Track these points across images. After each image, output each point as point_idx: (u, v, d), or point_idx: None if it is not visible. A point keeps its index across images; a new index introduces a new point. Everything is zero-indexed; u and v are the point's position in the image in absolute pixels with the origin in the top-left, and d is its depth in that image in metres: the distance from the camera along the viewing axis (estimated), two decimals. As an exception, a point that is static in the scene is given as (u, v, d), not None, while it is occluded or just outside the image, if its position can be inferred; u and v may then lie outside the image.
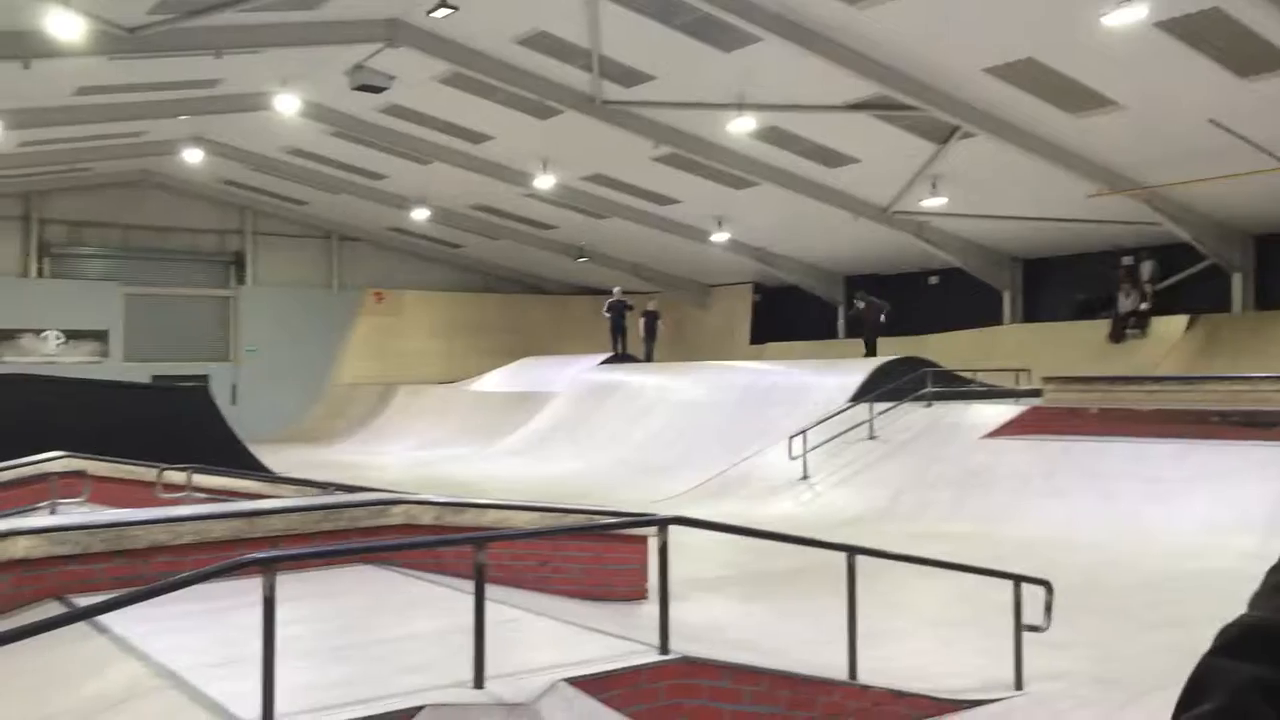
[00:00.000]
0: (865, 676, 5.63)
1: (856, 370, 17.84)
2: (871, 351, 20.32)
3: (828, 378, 18.16)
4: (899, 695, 5.64)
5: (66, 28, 12.72)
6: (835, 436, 15.27)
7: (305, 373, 28.86)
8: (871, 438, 15.23)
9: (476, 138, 20.66)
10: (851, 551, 5.79)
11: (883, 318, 20.70)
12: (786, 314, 27.61)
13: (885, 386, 16.07)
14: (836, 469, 14.89)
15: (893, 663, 6.38)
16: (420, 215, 26.41)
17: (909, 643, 7.42)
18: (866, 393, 16.43)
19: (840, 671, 5.59)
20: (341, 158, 23.36)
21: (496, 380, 25.63)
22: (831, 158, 18.85)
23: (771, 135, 17.92)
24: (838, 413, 15.78)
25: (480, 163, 21.99)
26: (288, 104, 18.19)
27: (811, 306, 26.98)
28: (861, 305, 21.24)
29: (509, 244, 28.79)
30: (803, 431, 15.01)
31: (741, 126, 16.99)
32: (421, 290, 31.39)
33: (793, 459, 14.93)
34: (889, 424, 15.43)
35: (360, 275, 30.79)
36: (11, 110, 16.83)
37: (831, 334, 26.23)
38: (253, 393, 27.45)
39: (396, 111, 19.65)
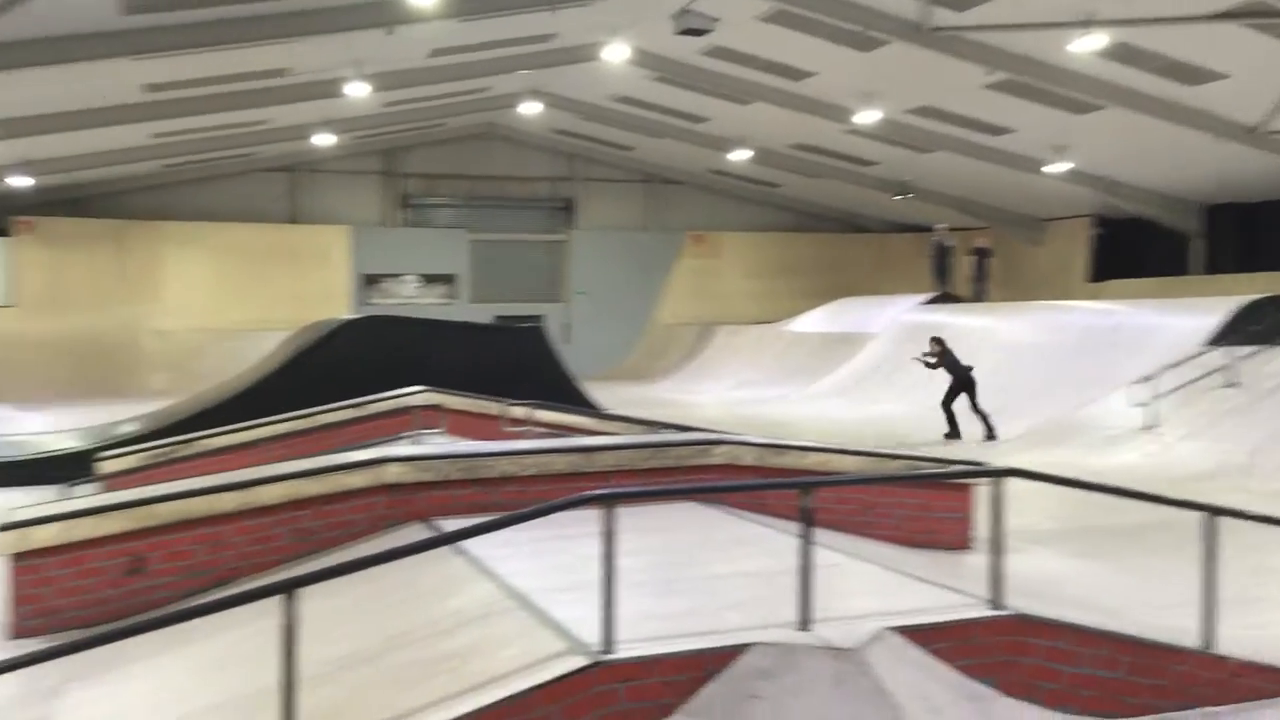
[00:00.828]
0: (1224, 646, 5.18)
1: (1215, 310, 16.20)
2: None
3: (1180, 318, 16.64)
4: (1263, 669, 5.15)
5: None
6: (1188, 384, 13.99)
7: (629, 313, 30.07)
8: (1230, 385, 13.82)
9: (797, 75, 20.43)
10: (1214, 513, 5.31)
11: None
12: (1130, 248, 25.44)
13: (1250, 328, 14.49)
14: (1188, 419, 13.65)
15: (1254, 632, 5.83)
16: (739, 156, 26.57)
17: (1273, 613, 6.74)
18: (1227, 336, 14.90)
19: (1191, 638, 5.18)
20: (665, 102, 23.89)
21: (814, 321, 25.52)
22: (1191, 74, 17.05)
23: (1121, 53, 16.44)
24: (1192, 357, 14.43)
25: (801, 100, 21.76)
26: (617, 53, 18.77)
27: (1160, 240, 24.69)
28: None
29: (828, 182, 28.40)
30: (1150, 377, 13.87)
31: (1088, 45, 15.69)
32: (739, 231, 31.69)
33: (1137, 406, 13.85)
34: (1254, 370, 13.93)
35: (680, 218, 31.51)
36: (377, 74, 18.51)
37: (1181, 269, 23.92)
38: (582, 332, 28.96)
39: (719, 53, 19.79)
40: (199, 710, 4.80)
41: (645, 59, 20.40)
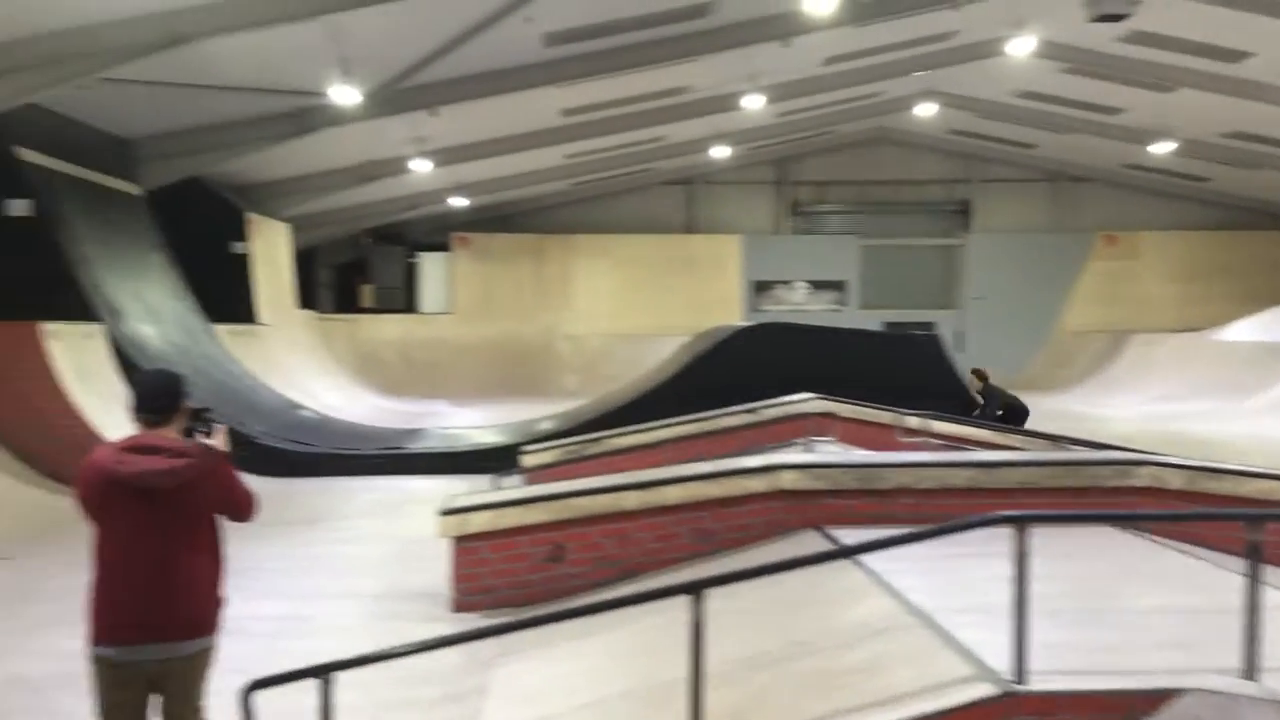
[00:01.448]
0: None
1: None
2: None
3: None
4: None
5: (822, 3, 13.85)
6: None
7: (1029, 320, 28.41)
8: None
9: (1233, 56, 18.33)
10: None
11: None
12: None
13: None
14: None
15: None
16: (1161, 148, 24.26)
17: None
18: None
19: None
20: (1073, 95, 22.35)
21: (1248, 329, 22.72)
22: None
23: None
24: None
25: (1236, 84, 19.48)
26: (1022, 46, 17.82)
27: None
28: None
29: (1270, 174, 25.22)
30: None
31: None
32: (1160, 230, 28.96)
33: None
34: None
35: (1089, 217, 29.31)
36: (772, 85, 18.86)
37: None
38: (977, 340, 27.73)
39: (1138, 38, 18.20)
40: (613, 695, 5.11)
41: (1053, 50, 19.20)
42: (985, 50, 19.59)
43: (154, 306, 15.03)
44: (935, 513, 6.71)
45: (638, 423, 11.80)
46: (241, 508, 3.90)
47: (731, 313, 26.94)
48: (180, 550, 3.74)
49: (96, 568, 3.74)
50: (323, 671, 4.27)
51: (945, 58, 20.52)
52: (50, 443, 11.02)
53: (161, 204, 16.61)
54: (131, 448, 3.71)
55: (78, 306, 12.75)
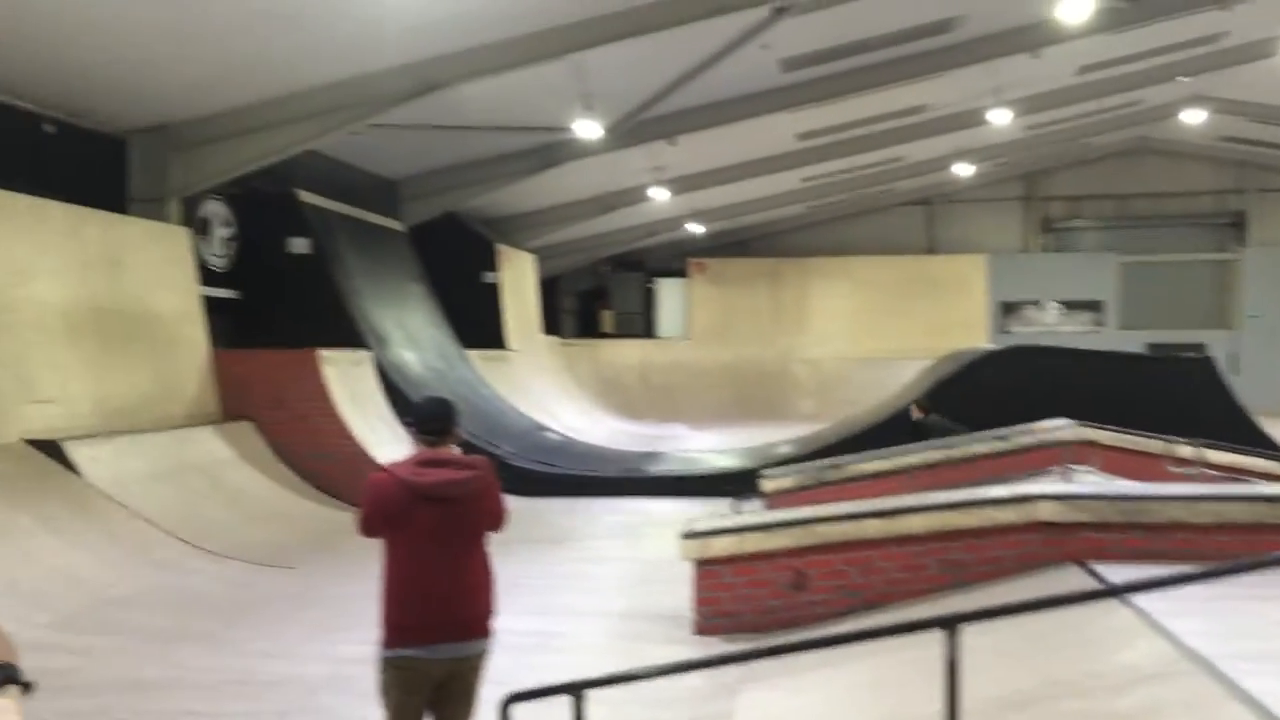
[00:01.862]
0: None
1: None
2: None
3: None
4: None
5: (1076, 11, 13.18)
6: None
7: (1316, 341, 25.86)
8: None
9: None
10: None
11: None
12: None
13: None
14: None
15: None
16: None
17: None
18: None
19: None
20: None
21: None
22: None
23: None
24: None
25: None
26: (1302, 44, 16.34)
27: None
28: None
29: None
30: None
31: None
32: None
33: None
34: None
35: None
36: (1019, 99, 18.09)
37: None
38: (1253, 362, 25.45)
39: None
40: (861, 730, 4.97)
41: (1340, 45, 17.49)
42: (1260, 51, 18.05)
43: (414, 334, 16.04)
44: (1211, 550, 6.18)
45: (878, 448, 11.53)
46: (500, 521, 4.22)
47: (976, 335, 25.92)
48: (470, 555, 4.07)
49: (392, 573, 4.01)
50: (576, 689, 4.38)
51: (1214, 60, 19.05)
52: (326, 461, 11.94)
53: (420, 238, 17.76)
54: (424, 462, 4.05)
55: (349, 335, 13.79)
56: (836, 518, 7.21)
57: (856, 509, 7.40)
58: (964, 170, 24.44)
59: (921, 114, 19.43)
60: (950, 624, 4.08)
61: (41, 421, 9.61)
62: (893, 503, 7.50)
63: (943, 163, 23.92)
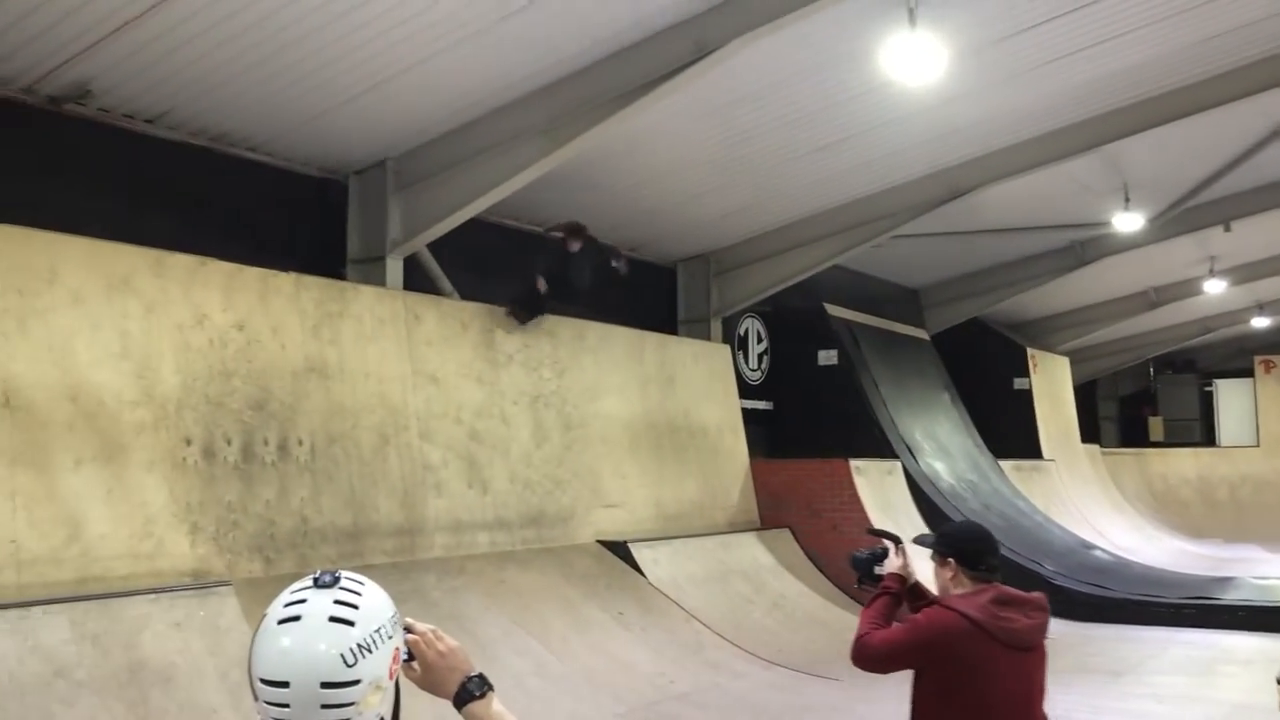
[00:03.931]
0: None
1: None
2: None
3: None
4: None
5: None
6: None
7: None
8: None
9: None
10: None
11: None
12: None
13: None
14: None
15: None
16: None
17: None
18: None
19: None
20: None
21: None
22: None
23: None
24: None
25: None
26: None
27: None
28: None
29: None
30: None
31: None
32: None
33: None
34: None
35: None
36: None
37: None
38: None
39: None
40: None
41: None
42: None
43: (944, 443, 15.79)
44: None
45: None
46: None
47: None
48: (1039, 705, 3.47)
49: None
50: None
51: None
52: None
53: (945, 345, 17.58)
54: (1003, 601, 3.35)
55: (878, 444, 13.92)
56: None
57: None
58: None
59: None
60: None
61: (610, 524, 10.76)
62: None
63: None
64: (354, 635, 1.58)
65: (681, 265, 13.78)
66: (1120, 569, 15.12)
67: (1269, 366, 25.08)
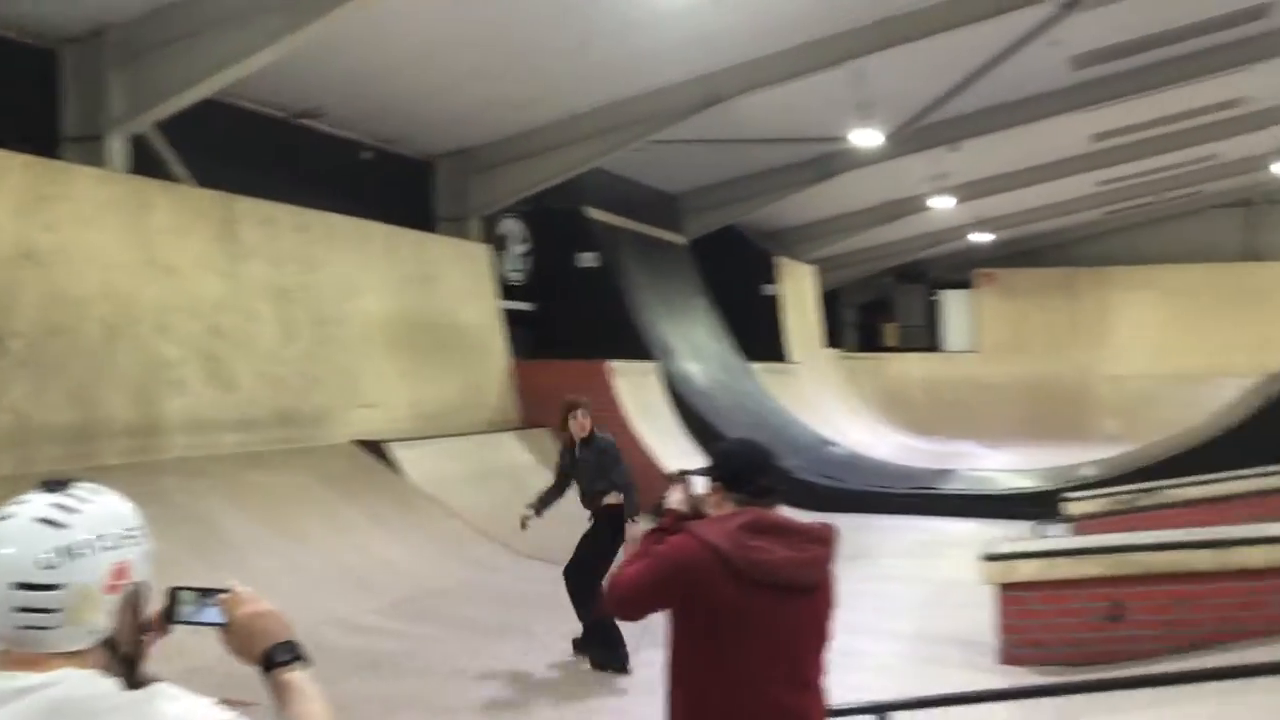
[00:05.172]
0: None
1: None
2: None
3: None
4: None
5: None
6: None
7: None
8: None
9: None
10: None
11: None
12: None
13: None
14: None
15: None
16: None
17: None
18: None
19: None
20: None
21: None
22: None
23: None
24: None
25: None
26: None
27: None
28: None
29: None
30: None
31: None
32: None
33: None
34: None
35: None
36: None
37: None
38: None
39: None
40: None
41: None
42: None
43: (698, 346, 16.31)
44: None
45: (1194, 474, 10.59)
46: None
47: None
48: (817, 677, 2.78)
49: (697, 699, 2.69)
50: (882, 709, 4.29)
51: None
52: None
53: (700, 251, 18.05)
54: (757, 529, 2.67)
55: (637, 346, 14.20)
56: (1160, 546, 6.69)
57: (1184, 538, 6.84)
58: (1289, 168, 22.07)
59: (1235, 109, 17.73)
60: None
61: (367, 425, 10.50)
62: (1227, 532, 6.88)
63: (1262, 161, 21.70)
64: (59, 538, 1.46)
65: (440, 161, 13.41)
66: (855, 463, 16.26)
67: (988, 279, 27.35)
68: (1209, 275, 25.71)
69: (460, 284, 12.72)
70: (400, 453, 10.17)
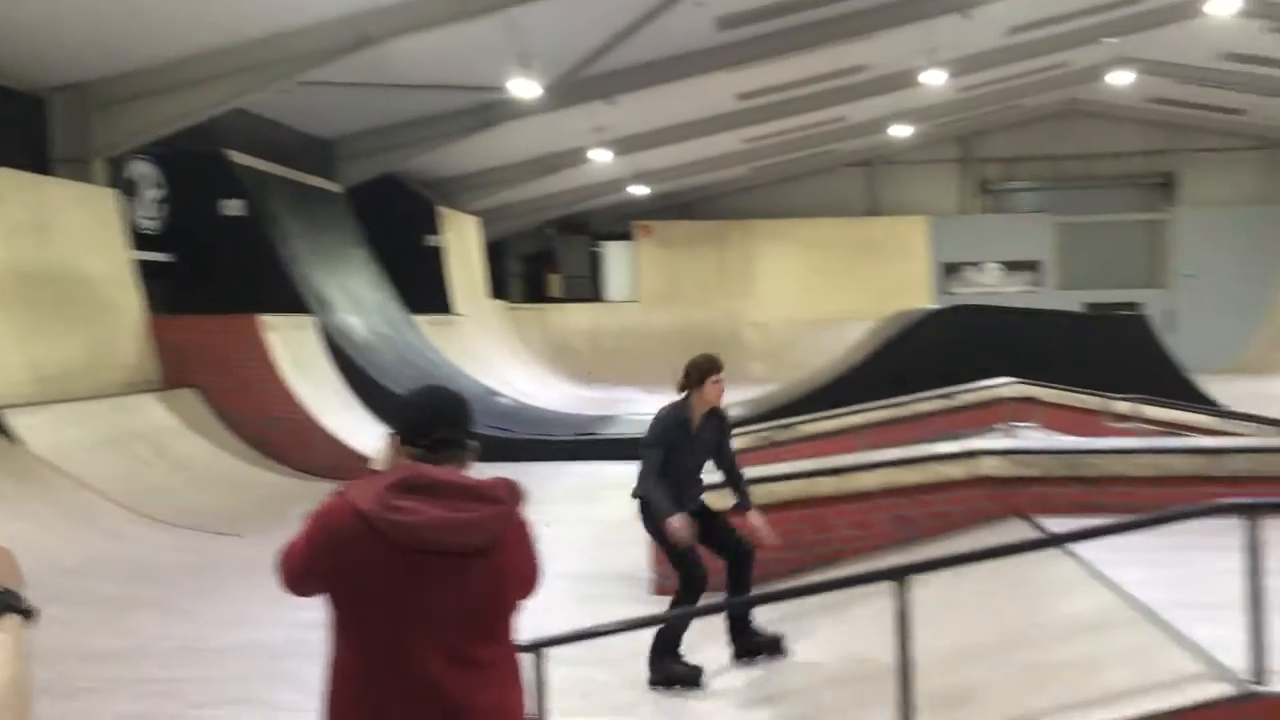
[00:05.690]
0: None
1: None
2: None
3: None
4: None
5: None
6: None
7: (1245, 298, 26.45)
8: None
9: None
10: None
11: None
12: None
13: None
14: None
15: None
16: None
17: None
18: None
19: None
20: (1286, 55, 20.67)
21: None
22: None
23: None
24: None
25: None
26: (1224, 4, 16.56)
27: None
28: None
29: None
30: None
31: None
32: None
33: None
34: None
35: (1313, 186, 27.15)
36: (952, 60, 18.17)
37: None
38: (1189, 320, 26.03)
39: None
40: (818, 683, 5.08)
41: (1261, 8, 17.74)
42: (1181, 12, 18.33)
43: (358, 298, 15.83)
44: (1150, 503, 6.33)
45: (828, 409, 11.66)
46: (533, 586, 2.65)
47: (919, 296, 26.16)
48: (489, 653, 2.51)
49: (343, 678, 2.43)
50: (535, 648, 4.42)
51: (1138, 21, 19.31)
52: (273, 428, 11.81)
53: (359, 200, 17.47)
54: (406, 487, 2.41)
55: (290, 299, 13.56)
56: (789, 476, 7.30)
57: (809, 467, 7.50)
58: (901, 132, 24.60)
59: (859, 75, 19.49)
60: (899, 575, 4.18)
61: (-26, 391, 9.39)
62: (845, 460, 7.62)
63: (881, 124, 24.05)
64: None
65: (54, 95, 12.04)
66: (520, 413, 16.50)
67: (646, 231, 28.49)
68: (839, 229, 28.17)
69: (82, 233, 11.56)
70: (18, 420, 9.18)
